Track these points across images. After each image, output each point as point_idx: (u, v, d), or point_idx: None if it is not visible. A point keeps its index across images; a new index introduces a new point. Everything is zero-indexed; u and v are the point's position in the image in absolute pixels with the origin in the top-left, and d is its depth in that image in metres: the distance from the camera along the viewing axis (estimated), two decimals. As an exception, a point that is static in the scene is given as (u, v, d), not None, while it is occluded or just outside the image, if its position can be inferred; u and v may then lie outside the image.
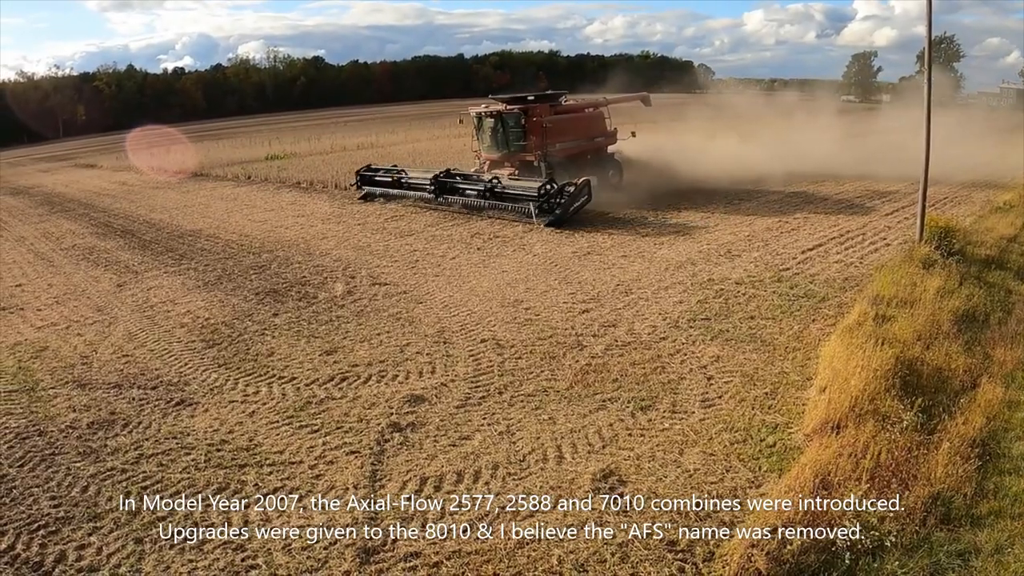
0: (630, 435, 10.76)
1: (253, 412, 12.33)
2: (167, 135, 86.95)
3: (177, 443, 11.36)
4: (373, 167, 37.07)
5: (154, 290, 20.93)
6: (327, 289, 19.74)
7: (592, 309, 16.62)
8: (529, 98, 31.82)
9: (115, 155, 72.08)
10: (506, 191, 28.38)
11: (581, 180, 27.09)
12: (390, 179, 34.97)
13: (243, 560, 8.42)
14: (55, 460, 11.02)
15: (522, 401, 12.12)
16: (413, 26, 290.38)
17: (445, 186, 31.35)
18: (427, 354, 14.54)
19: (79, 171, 66.36)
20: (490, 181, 28.95)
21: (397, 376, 13.53)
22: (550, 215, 26.44)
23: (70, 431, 11.99)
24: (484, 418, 11.57)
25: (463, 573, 7.96)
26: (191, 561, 8.45)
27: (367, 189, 35.76)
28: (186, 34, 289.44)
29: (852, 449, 9.29)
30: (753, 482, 9.38)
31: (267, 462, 10.60)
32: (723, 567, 7.75)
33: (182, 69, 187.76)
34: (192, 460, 10.79)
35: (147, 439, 11.56)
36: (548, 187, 26.77)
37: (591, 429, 10.98)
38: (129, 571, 8.35)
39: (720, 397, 11.84)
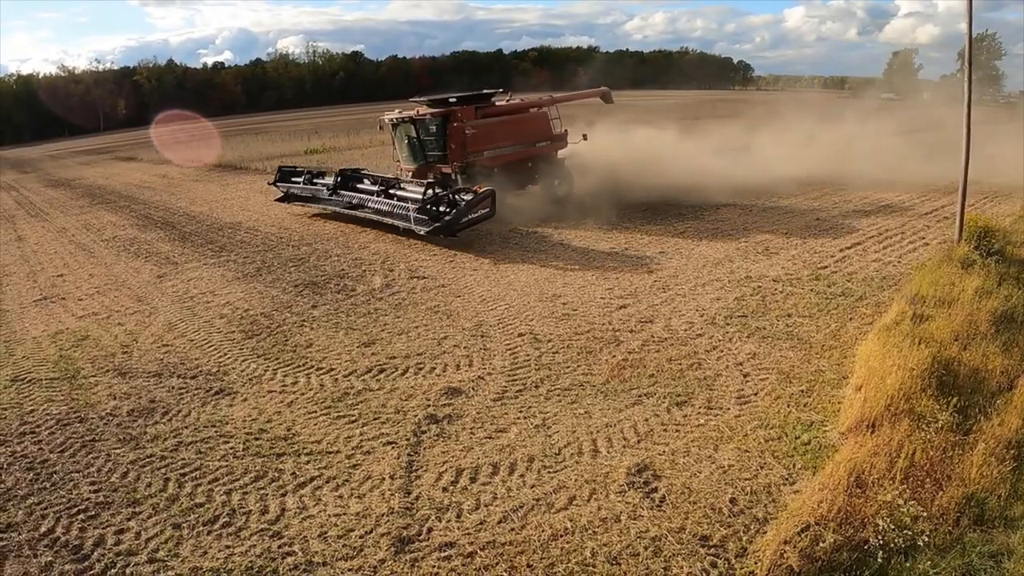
0: (665, 430, 10.78)
1: (291, 402, 12.47)
2: (200, 128, 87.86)
3: (216, 431, 11.52)
4: (290, 167, 34.43)
5: (194, 281, 21.18)
6: (365, 282, 19.88)
7: (629, 305, 16.62)
8: (451, 100, 28.64)
9: (155, 148, 72.76)
10: (397, 196, 25.60)
11: (484, 190, 23.56)
12: (304, 181, 31.72)
13: (279, 547, 8.52)
14: (95, 446, 11.21)
15: (558, 395, 12.15)
16: (452, 21, 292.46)
17: (346, 187, 28.75)
18: (464, 347, 14.62)
19: (120, 164, 67.10)
20: (383, 181, 26.88)
21: (434, 368, 13.62)
22: (435, 223, 23.26)
23: (110, 418, 12.18)
24: (520, 411, 11.63)
25: (497, 564, 8.01)
26: (228, 547, 8.57)
27: (285, 189, 32.89)
28: (226, 29, 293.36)
29: (887, 448, 9.23)
30: (787, 479, 9.36)
31: (304, 451, 10.72)
32: (755, 563, 7.74)
33: (222, 63, 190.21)
34: (230, 448, 10.93)
35: (186, 427, 11.73)
36: (434, 192, 23.69)
37: (626, 424, 11.01)
38: (167, 555, 8.47)
39: (756, 394, 11.81)
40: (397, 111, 29.58)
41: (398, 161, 30.58)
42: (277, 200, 33.18)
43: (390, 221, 25.50)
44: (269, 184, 34.01)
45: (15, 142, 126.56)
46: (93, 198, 42.86)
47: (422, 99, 29.78)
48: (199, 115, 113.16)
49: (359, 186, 28.21)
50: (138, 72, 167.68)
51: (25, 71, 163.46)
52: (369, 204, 27.13)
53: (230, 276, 21.50)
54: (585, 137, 32.18)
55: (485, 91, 30.76)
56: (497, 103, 30.66)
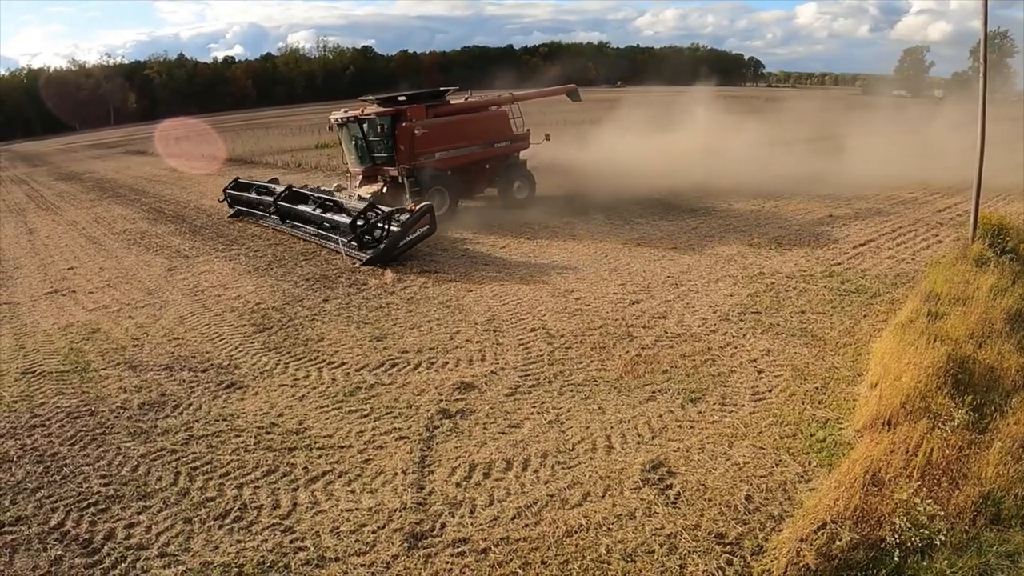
0: (679, 427, 10.70)
1: (303, 396, 12.43)
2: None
3: (227, 425, 11.48)
4: (243, 181, 32.23)
5: (205, 274, 21.22)
6: (377, 276, 19.86)
7: (642, 300, 16.56)
8: (400, 98, 27.51)
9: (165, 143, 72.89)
10: (334, 222, 23.58)
11: (420, 207, 21.93)
12: (254, 196, 29.66)
13: (291, 542, 8.45)
14: (106, 440, 11.17)
15: (572, 390, 12.08)
16: (463, 17, 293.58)
17: (289, 211, 26.43)
18: (477, 342, 14.57)
19: (130, 158, 67.47)
20: (323, 202, 24.65)
21: (447, 363, 13.56)
22: (371, 250, 21.65)
23: (121, 412, 12.16)
24: (534, 407, 11.56)
25: (511, 560, 7.94)
26: (239, 542, 8.50)
27: (238, 207, 30.93)
28: (236, 23, 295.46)
29: (903, 446, 9.15)
30: (803, 477, 9.27)
31: (316, 446, 10.66)
32: (771, 561, 7.65)
33: (232, 58, 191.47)
34: (242, 442, 10.88)
35: (197, 421, 11.69)
36: (366, 217, 21.87)
37: (640, 420, 10.93)
38: (177, 550, 8.41)
39: (770, 391, 11.72)
40: (343, 110, 28.52)
41: (346, 164, 29.67)
42: (230, 217, 31.08)
43: (331, 246, 23.61)
44: (220, 201, 32.71)
45: (26, 136, 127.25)
46: (103, 191, 43.08)
47: (371, 97, 28.88)
48: (206, 117, 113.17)
49: (300, 207, 26.08)
50: (148, 66, 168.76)
51: (36, 65, 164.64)
52: (307, 228, 25.59)
53: (241, 269, 21.53)
54: (548, 137, 30.93)
55: (440, 88, 29.69)
56: (453, 102, 29.46)
